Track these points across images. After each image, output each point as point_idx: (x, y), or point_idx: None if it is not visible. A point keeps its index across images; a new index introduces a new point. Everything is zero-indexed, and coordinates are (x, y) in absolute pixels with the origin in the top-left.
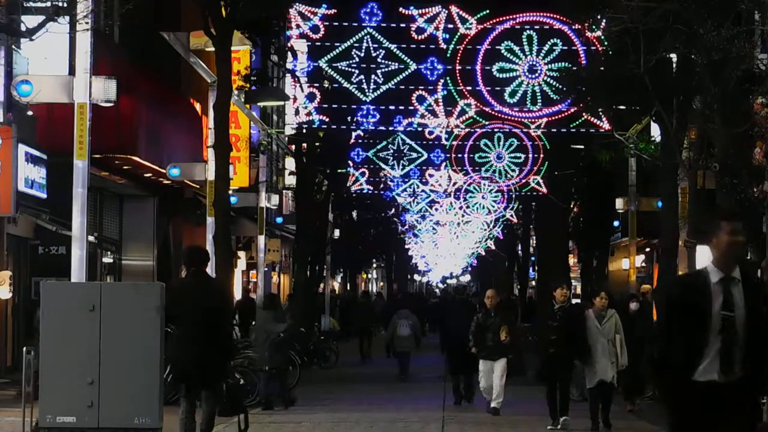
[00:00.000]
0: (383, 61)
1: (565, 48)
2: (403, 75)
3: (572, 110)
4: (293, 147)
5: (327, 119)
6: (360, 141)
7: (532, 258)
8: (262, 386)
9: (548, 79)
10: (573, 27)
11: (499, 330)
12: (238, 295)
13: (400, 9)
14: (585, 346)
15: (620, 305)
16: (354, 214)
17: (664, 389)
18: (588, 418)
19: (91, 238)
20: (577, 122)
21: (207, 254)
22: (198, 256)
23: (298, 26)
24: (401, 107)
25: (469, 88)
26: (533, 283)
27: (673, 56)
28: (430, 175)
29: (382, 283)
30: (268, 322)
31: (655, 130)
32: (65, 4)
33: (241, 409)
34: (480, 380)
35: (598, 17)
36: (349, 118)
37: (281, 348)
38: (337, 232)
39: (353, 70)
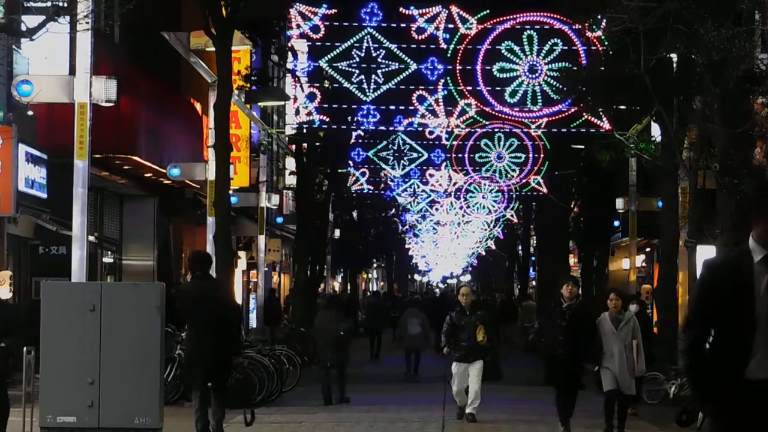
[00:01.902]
0: (383, 61)
1: (566, 48)
2: (404, 75)
3: (572, 110)
4: (293, 147)
5: (327, 119)
6: (360, 141)
7: (533, 258)
8: (323, 383)
9: (548, 79)
10: (573, 27)
11: (475, 330)
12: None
13: (401, 9)
14: (595, 348)
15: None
16: (354, 213)
17: (708, 390)
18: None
19: (91, 238)
20: (578, 122)
21: (210, 258)
22: (202, 260)
23: (298, 26)
24: (401, 107)
25: (469, 88)
26: (533, 283)
27: (673, 56)
28: (431, 175)
29: (382, 283)
30: (331, 321)
31: (655, 130)
32: (65, 4)
33: (248, 404)
34: (452, 384)
35: (599, 17)
36: (349, 118)
37: (342, 347)
38: (337, 232)
39: (353, 70)
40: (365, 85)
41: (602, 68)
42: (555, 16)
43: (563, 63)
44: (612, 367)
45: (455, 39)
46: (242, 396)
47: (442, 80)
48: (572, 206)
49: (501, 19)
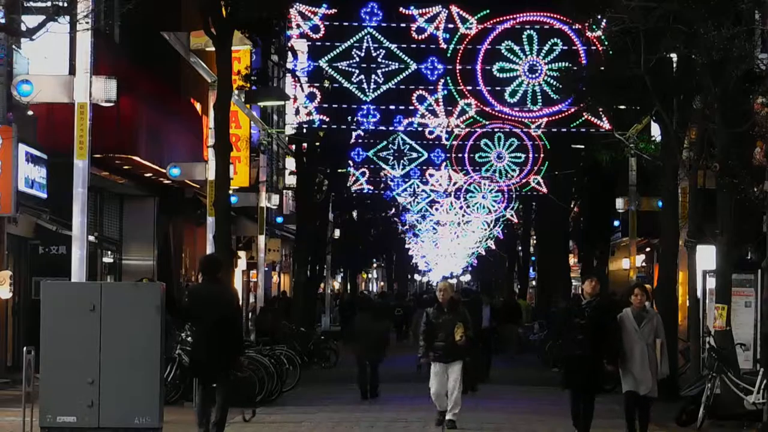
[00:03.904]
0: (383, 60)
1: (566, 48)
2: (404, 75)
3: (572, 110)
4: (293, 147)
5: (327, 119)
6: (360, 141)
7: (533, 258)
8: (362, 380)
9: (548, 79)
10: (573, 27)
11: (454, 329)
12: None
13: (401, 9)
14: (617, 348)
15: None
16: (354, 214)
17: None
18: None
19: (91, 238)
20: (578, 122)
21: (221, 263)
22: (213, 265)
23: (298, 26)
24: (401, 107)
25: (469, 87)
26: (533, 282)
27: (673, 56)
28: (431, 175)
29: (382, 283)
30: (371, 322)
31: (655, 130)
32: (65, 4)
33: (249, 403)
34: (431, 386)
35: (599, 17)
36: (349, 118)
37: (379, 346)
38: (337, 232)
39: (353, 69)
40: (365, 85)
41: (602, 68)
42: (555, 16)
43: (563, 63)
44: (632, 367)
45: (455, 39)
46: (243, 395)
47: (442, 80)
48: (572, 206)
49: (501, 19)
